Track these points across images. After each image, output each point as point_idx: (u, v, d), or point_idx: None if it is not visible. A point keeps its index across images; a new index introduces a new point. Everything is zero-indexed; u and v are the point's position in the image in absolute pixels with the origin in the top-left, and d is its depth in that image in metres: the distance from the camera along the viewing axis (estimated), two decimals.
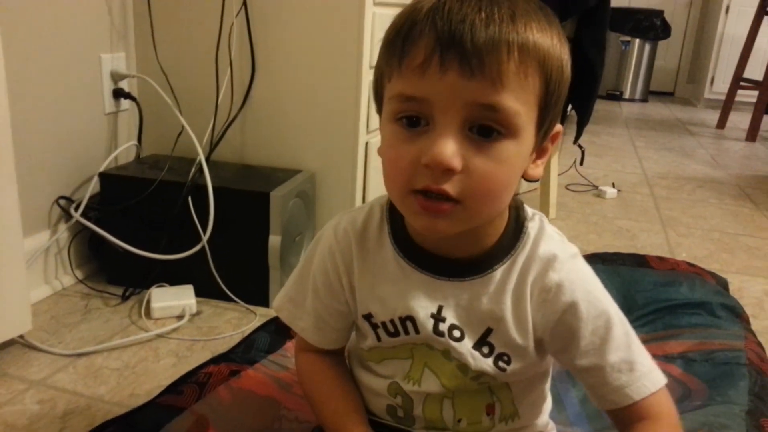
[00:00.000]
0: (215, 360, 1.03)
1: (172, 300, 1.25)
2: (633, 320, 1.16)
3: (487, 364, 0.63)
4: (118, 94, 1.42)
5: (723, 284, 1.32)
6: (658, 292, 1.22)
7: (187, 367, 1.02)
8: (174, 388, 0.95)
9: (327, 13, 1.32)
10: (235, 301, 1.29)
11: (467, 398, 0.66)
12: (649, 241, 1.82)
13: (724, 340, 1.08)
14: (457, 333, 0.63)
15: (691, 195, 2.37)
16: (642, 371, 0.61)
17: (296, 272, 0.73)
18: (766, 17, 3.71)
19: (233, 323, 1.23)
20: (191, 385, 0.94)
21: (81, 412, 0.94)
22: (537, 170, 0.60)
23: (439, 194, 0.53)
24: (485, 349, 0.63)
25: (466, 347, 0.62)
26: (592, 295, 0.61)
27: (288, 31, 1.35)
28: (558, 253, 0.62)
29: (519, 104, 0.52)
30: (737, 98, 3.97)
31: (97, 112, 1.40)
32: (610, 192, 2.27)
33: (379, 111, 0.60)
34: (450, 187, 0.53)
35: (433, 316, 0.62)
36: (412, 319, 0.63)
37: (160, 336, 1.17)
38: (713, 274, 1.35)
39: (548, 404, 0.73)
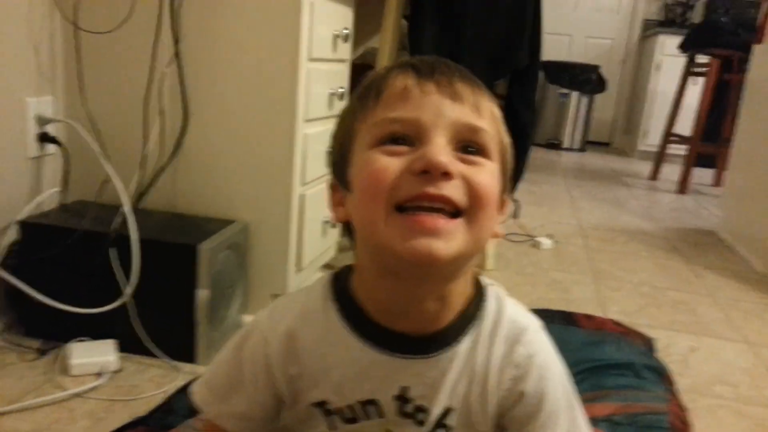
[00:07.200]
0: (132, 425, 0.98)
1: (92, 356, 1.19)
2: None
3: None
4: (44, 138, 1.37)
5: (648, 344, 1.35)
6: (585, 352, 1.23)
7: (103, 431, 0.97)
8: None
9: (262, 66, 1.32)
10: (159, 357, 1.24)
11: None
12: (581, 294, 1.86)
13: (648, 403, 1.09)
14: (420, 416, 0.60)
15: (623, 247, 2.44)
16: None
17: (222, 360, 0.66)
18: (691, 77, 3.91)
19: (156, 381, 1.18)
20: None
21: None
22: (498, 226, 0.58)
23: (433, 204, 0.50)
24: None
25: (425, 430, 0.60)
26: (555, 372, 0.62)
27: (223, 82, 1.34)
28: (526, 326, 0.61)
29: (494, 132, 0.57)
30: (669, 151, 4.13)
31: (20, 157, 1.34)
32: (546, 243, 2.31)
33: (341, 177, 0.58)
34: (451, 191, 0.50)
35: (396, 397, 0.59)
36: (374, 402, 0.60)
37: (76, 395, 1.11)
38: (639, 334, 1.37)
39: None
